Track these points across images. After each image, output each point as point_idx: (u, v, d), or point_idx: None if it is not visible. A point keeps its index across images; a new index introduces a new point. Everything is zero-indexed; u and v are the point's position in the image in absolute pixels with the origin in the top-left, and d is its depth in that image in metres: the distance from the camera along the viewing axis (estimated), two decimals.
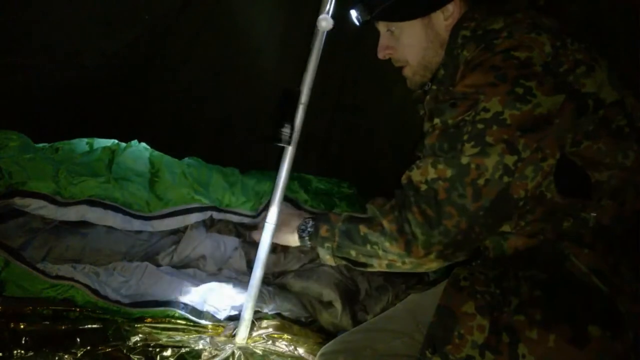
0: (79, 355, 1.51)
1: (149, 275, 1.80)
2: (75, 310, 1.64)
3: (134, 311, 1.69)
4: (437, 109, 1.20)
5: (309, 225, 1.45)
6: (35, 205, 1.70)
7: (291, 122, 1.55)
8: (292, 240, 1.50)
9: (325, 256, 1.37)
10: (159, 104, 2.10)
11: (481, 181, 1.09)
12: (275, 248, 2.08)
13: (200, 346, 1.66)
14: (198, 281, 1.90)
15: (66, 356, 1.49)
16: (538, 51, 1.11)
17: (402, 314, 1.41)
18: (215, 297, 1.84)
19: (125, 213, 1.84)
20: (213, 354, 1.64)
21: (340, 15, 1.53)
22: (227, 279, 1.97)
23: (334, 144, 2.42)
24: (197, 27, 1.94)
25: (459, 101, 1.14)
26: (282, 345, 1.77)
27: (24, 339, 1.49)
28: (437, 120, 1.18)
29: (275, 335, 1.80)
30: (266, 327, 1.83)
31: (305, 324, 1.93)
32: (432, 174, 1.14)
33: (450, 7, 1.31)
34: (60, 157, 1.86)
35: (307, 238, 1.45)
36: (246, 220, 2.06)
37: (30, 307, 1.60)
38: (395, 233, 1.18)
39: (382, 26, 1.42)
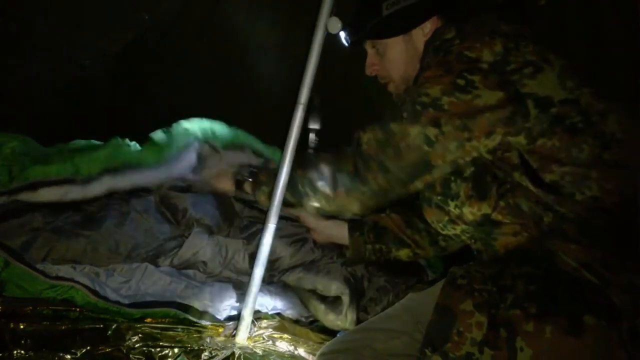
0: (79, 355, 1.51)
1: (149, 276, 1.80)
2: (75, 310, 1.63)
3: (134, 312, 1.69)
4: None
5: (248, 172, 1.71)
6: (61, 192, 1.70)
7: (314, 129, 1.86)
8: (228, 184, 1.78)
9: (261, 197, 1.63)
10: (158, 104, 2.11)
11: (403, 145, 1.25)
12: (299, 241, 2.12)
13: (200, 346, 1.66)
14: (198, 282, 1.90)
15: (66, 356, 1.49)
16: (487, 51, 1.21)
17: (401, 313, 1.41)
18: (215, 297, 1.84)
19: (140, 169, 1.88)
20: (213, 354, 1.64)
21: (340, 17, 1.54)
22: (227, 280, 1.97)
23: (334, 144, 2.41)
24: (197, 28, 1.94)
25: (410, 89, 1.31)
26: (282, 345, 1.77)
27: (24, 339, 1.49)
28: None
29: (275, 335, 1.80)
30: (266, 327, 1.83)
31: (305, 324, 1.93)
32: (370, 135, 1.33)
33: (428, 24, 1.44)
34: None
35: (246, 183, 1.70)
36: (242, 158, 2.03)
37: (30, 307, 1.59)
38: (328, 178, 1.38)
39: (368, 45, 1.55)
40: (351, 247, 1.85)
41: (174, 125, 1.96)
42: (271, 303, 1.91)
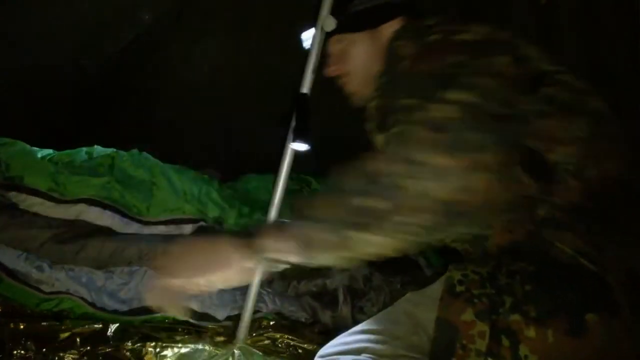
0: (79, 355, 1.51)
1: (149, 279, 1.79)
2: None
3: (134, 319, 1.69)
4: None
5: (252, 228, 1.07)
6: (30, 202, 1.67)
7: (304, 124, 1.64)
8: (234, 265, 1.03)
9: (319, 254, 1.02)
10: (159, 105, 2.10)
11: None
12: None
13: (200, 346, 1.66)
14: None
15: (66, 356, 1.49)
16: (472, 33, 1.13)
17: (400, 314, 1.38)
18: (214, 299, 1.84)
19: (123, 215, 1.83)
20: (213, 354, 1.64)
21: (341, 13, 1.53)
22: None
23: (334, 144, 2.42)
24: (197, 27, 1.94)
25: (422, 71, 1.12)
26: (282, 345, 1.77)
27: (24, 339, 1.49)
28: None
29: (275, 335, 1.80)
30: (266, 327, 1.83)
31: (305, 324, 1.93)
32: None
33: (395, 22, 1.36)
34: (60, 166, 1.86)
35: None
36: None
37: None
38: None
39: (333, 41, 1.46)
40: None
41: (187, 185, 1.95)
42: (271, 303, 1.91)
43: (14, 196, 1.69)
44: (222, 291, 1.88)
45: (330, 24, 1.53)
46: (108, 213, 1.82)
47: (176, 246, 1.08)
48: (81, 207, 1.76)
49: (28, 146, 1.86)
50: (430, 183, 0.90)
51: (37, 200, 1.69)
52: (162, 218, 1.89)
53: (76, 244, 1.73)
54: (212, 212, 1.99)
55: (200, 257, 1.04)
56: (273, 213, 1.68)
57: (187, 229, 1.96)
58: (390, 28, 1.36)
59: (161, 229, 1.91)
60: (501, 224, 1.15)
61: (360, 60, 1.40)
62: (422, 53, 1.16)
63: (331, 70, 1.45)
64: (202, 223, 1.97)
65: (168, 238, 1.90)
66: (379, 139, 1.29)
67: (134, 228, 1.87)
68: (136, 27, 1.87)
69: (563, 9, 1.79)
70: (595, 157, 1.10)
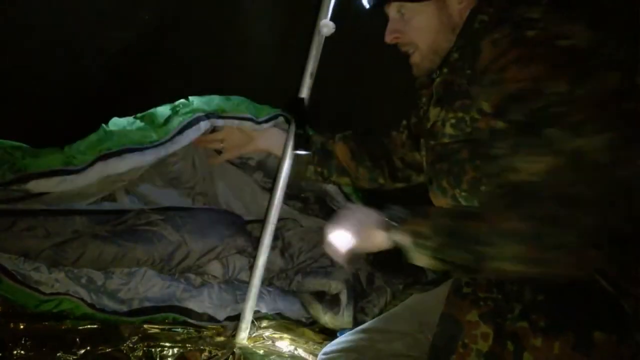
0: (79, 355, 1.51)
1: (148, 279, 1.79)
2: None
3: (134, 319, 1.68)
4: (500, 108, 1.06)
5: (396, 214, 1.19)
6: (52, 184, 1.58)
7: (303, 127, 1.62)
8: (379, 238, 1.19)
9: (420, 257, 1.11)
10: (158, 105, 2.10)
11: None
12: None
13: (200, 346, 1.66)
14: (197, 284, 1.89)
15: (66, 356, 1.49)
16: (577, 39, 1.02)
17: (404, 314, 1.39)
18: (214, 299, 1.84)
19: (141, 149, 1.68)
20: (213, 354, 1.65)
21: (340, 16, 1.54)
22: (226, 282, 1.97)
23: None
24: (197, 27, 1.94)
25: (522, 94, 1.01)
26: (282, 345, 1.78)
27: (24, 339, 1.49)
28: (500, 124, 1.04)
29: (275, 335, 1.81)
30: (266, 327, 1.83)
31: (305, 324, 1.93)
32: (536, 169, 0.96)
33: None
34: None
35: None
36: (247, 124, 1.82)
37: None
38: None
39: (393, 8, 1.35)
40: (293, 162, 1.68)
41: (180, 101, 1.81)
42: (271, 303, 1.91)
43: (34, 185, 1.59)
44: (222, 291, 1.88)
45: (329, 29, 1.54)
46: (126, 157, 1.66)
47: (345, 215, 1.27)
48: (100, 166, 1.63)
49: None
50: None
51: (58, 179, 1.59)
52: (177, 127, 1.73)
53: (75, 251, 1.73)
54: (211, 106, 1.81)
55: (359, 227, 1.22)
56: (273, 214, 1.68)
57: (205, 123, 1.77)
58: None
59: (184, 139, 1.75)
60: None
61: (426, 32, 1.31)
62: (521, 56, 1.03)
63: (391, 38, 1.36)
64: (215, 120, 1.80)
65: (166, 241, 1.90)
66: (434, 110, 1.27)
67: (160, 152, 1.71)
68: (136, 27, 1.87)
69: None
70: None
